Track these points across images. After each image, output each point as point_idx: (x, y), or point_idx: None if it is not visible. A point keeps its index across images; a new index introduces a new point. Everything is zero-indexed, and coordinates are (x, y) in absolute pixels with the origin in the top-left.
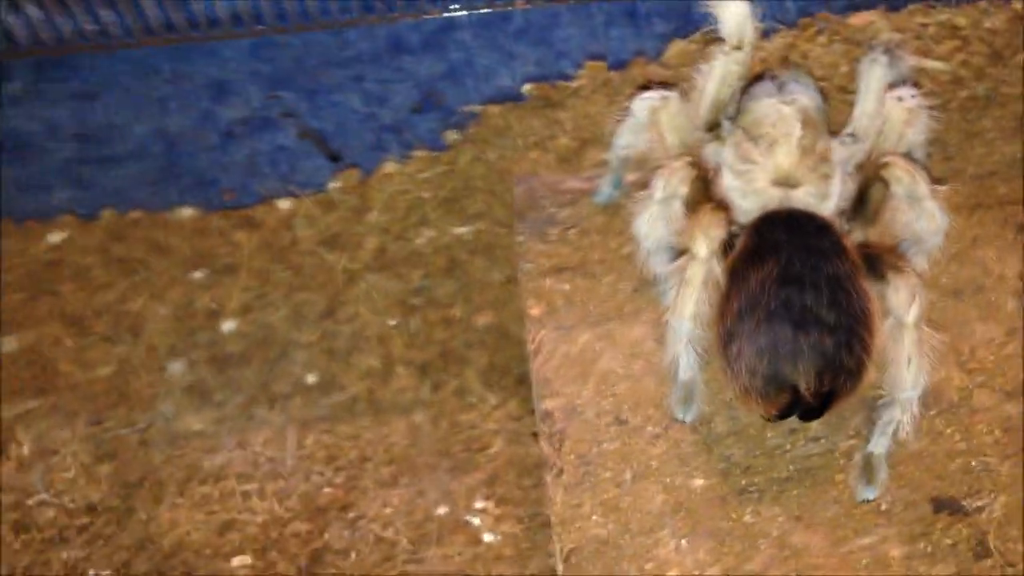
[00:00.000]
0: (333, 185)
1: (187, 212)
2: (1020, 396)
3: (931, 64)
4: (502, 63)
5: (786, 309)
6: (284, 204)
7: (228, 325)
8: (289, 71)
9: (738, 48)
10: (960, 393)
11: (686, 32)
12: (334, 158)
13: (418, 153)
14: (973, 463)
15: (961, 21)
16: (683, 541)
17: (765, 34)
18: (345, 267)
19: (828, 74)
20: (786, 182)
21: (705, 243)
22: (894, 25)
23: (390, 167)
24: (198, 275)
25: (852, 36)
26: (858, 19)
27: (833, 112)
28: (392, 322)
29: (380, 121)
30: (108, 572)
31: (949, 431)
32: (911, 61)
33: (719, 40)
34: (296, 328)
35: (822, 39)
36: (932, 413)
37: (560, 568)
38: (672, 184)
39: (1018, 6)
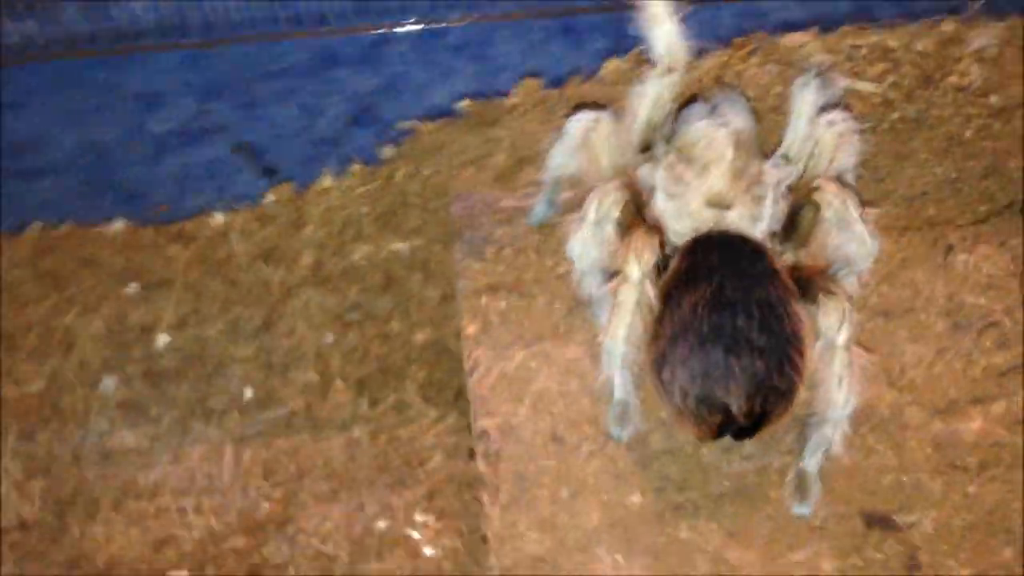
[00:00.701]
0: (268, 199)
1: (118, 225)
2: (949, 414)
3: (863, 86)
4: (438, 79)
5: (718, 334)
6: (219, 217)
7: (163, 340)
8: (222, 83)
9: (670, 71)
10: (891, 410)
11: (622, 50)
12: (268, 172)
13: (354, 168)
14: (904, 479)
15: (892, 43)
16: (619, 557)
17: (699, 53)
18: (282, 281)
19: (761, 95)
20: (719, 204)
21: (637, 266)
22: (827, 46)
23: (326, 181)
24: (131, 289)
25: (785, 56)
26: (791, 39)
27: (766, 132)
28: (330, 337)
29: (315, 134)
30: None
31: (880, 447)
32: (843, 83)
33: (652, 62)
34: (232, 343)
35: (755, 59)
36: (864, 429)
37: None
38: (604, 206)
39: (948, 28)
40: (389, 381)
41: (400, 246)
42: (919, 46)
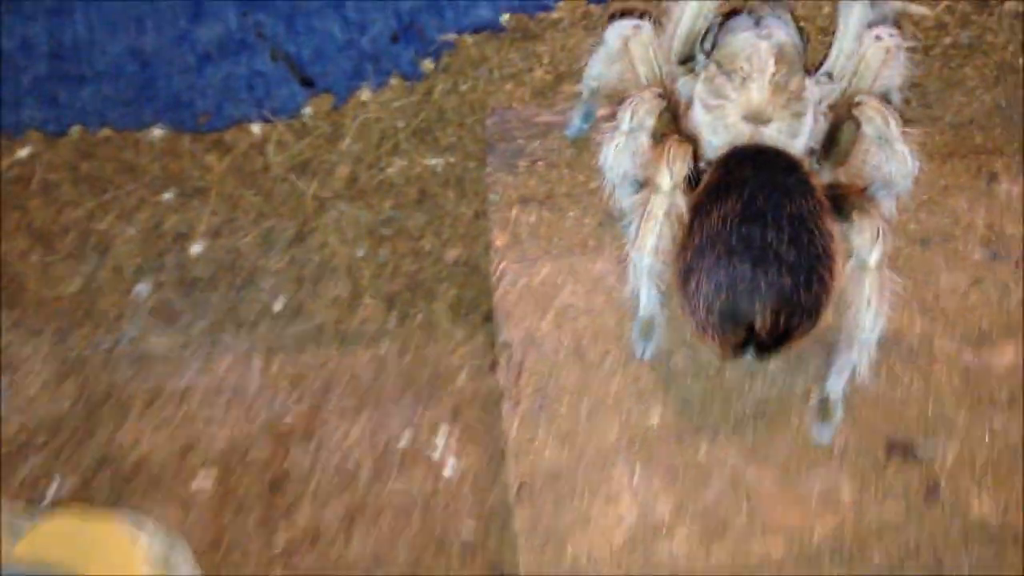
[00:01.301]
0: (306, 111)
1: (158, 133)
2: (980, 346)
3: (915, 8)
4: None
5: (746, 245)
6: (256, 128)
7: (196, 248)
8: None
9: None
10: (920, 339)
11: None
12: (308, 83)
13: (393, 82)
14: (929, 409)
15: None
16: (636, 475)
17: None
18: (315, 194)
19: (810, 15)
20: (757, 118)
21: (669, 175)
22: None
23: (364, 95)
24: (167, 196)
25: None
26: None
27: (812, 54)
28: (361, 252)
29: (357, 48)
30: (68, 487)
31: (907, 376)
32: (896, 5)
33: None
34: (264, 254)
35: None
36: (891, 357)
37: (513, 498)
38: (639, 115)
39: None
40: (419, 298)
41: (435, 162)
42: None
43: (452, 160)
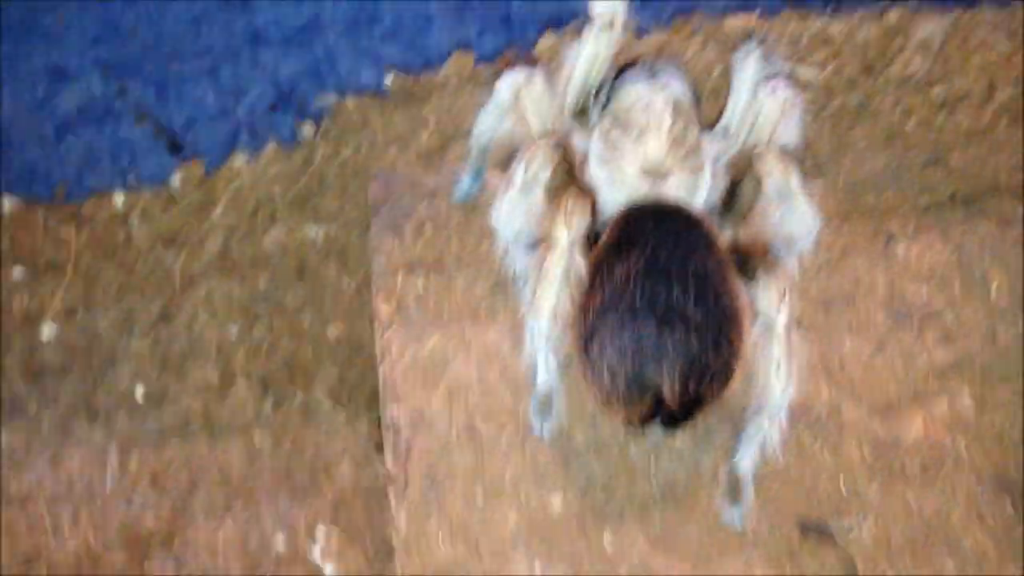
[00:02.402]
0: (174, 180)
1: (7, 204)
2: (888, 415)
3: (804, 72)
4: (365, 53)
5: (651, 305)
6: (119, 199)
7: (48, 330)
8: (137, 59)
9: (608, 28)
10: (828, 408)
11: (559, 24)
12: (177, 149)
13: (269, 148)
14: (841, 483)
15: (835, 31)
16: (537, 565)
17: (640, 33)
18: (183, 269)
19: (702, 77)
20: (655, 173)
21: (566, 230)
22: (769, 31)
23: (238, 162)
24: (17, 273)
25: (726, 39)
26: (733, 22)
27: (706, 113)
28: (233, 331)
29: (233, 115)
30: None
31: (816, 448)
32: (785, 66)
33: (589, 21)
34: (126, 334)
35: (697, 39)
36: (800, 428)
37: None
38: (533, 167)
39: (893, 18)
40: (297, 381)
41: (315, 232)
42: (862, 35)
43: (334, 230)
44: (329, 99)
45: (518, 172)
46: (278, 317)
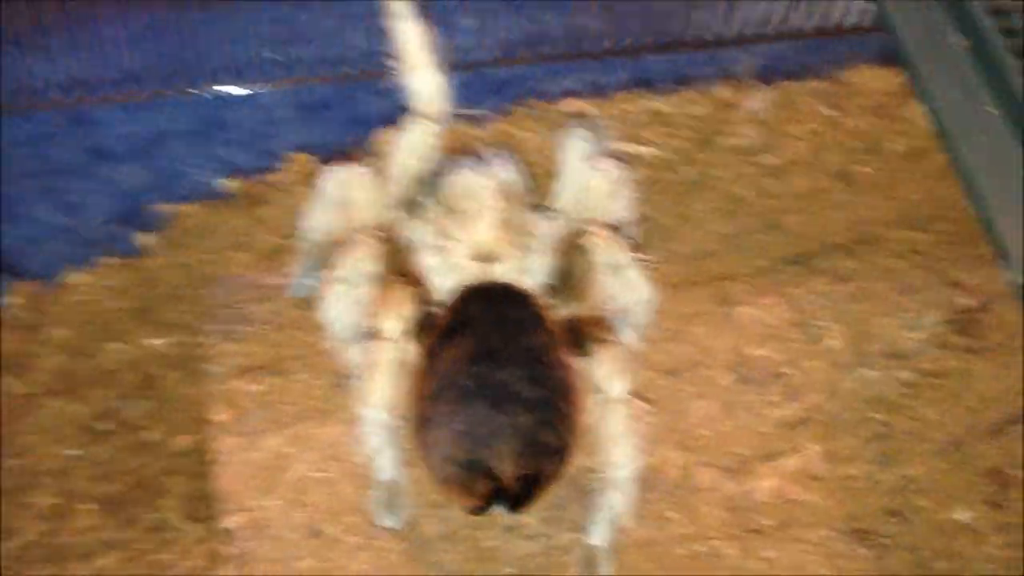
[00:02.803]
0: (4, 301)
1: None
2: (741, 473)
3: (641, 149)
4: (210, 159)
5: (481, 387)
6: None
7: None
8: None
9: (431, 118)
10: (681, 472)
11: (395, 119)
12: (11, 272)
13: (107, 261)
14: (700, 547)
15: (668, 108)
16: None
17: (478, 121)
18: (16, 393)
19: (538, 159)
20: (486, 257)
21: (394, 322)
22: (603, 111)
23: (74, 278)
24: None
25: (561, 122)
26: (567, 105)
27: (540, 195)
28: (75, 452)
29: (69, 232)
30: None
31: (673, 514)
32: (622, 146)
33: (412, 112)
34: None
35: (531, 124)
36: (654, 496)
37: None
38: (358, 260)
39: (722, 93)
40: (145, 498)
41: (158, 342)
42: (694, 110)
43: (176, 339)
44: (170, 208)
45: (343, 266)
46: (122, 433)
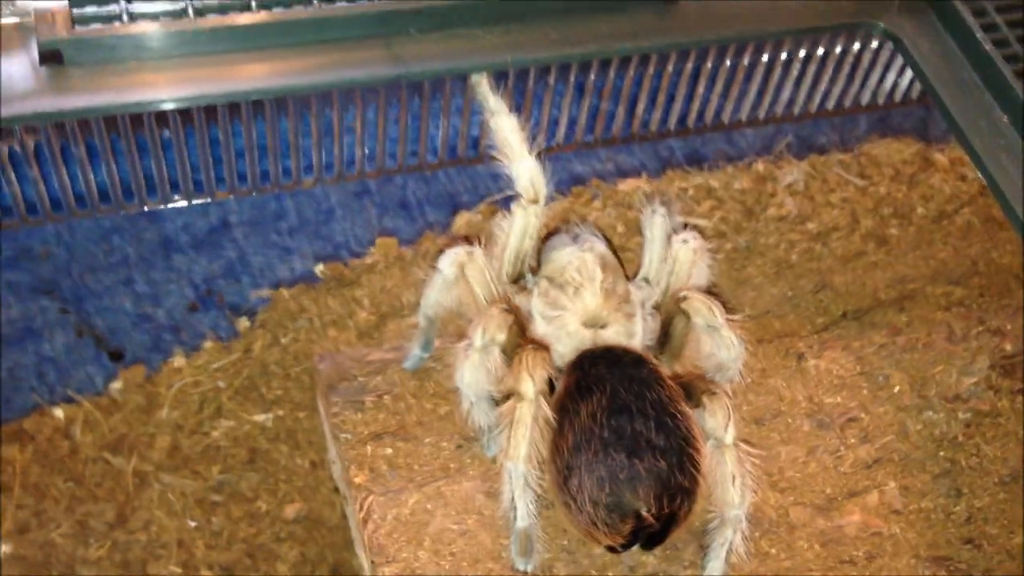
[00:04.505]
0: (115, 386)
1: None
2: (830, 510)
3: (695, 220)
4: (274, 247)
5: (619, 437)
6: (58, 412)
7: (3, 550)
8: (53, 278)
9: (535, 201)
10: (777, 512)
11: (470, 204)
12: (117, 357)
13: (207, 344)
14: None
15: (714, 183)
16: None
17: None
18: (135, 470)
19: (606, 236)
20: (595, 323)
21: (532, 382)
22: (657, 189)
23: (177, 362)
24: None
25: (622, 200)
26: (626, 185)
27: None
28: (192, 523)
29: (153, 320)
30: None
31: (774, 551)
32: (680, 217)
33: (516, 196)
34: (82, 544)
35: (596, 204)
36: (755, 535)
37: None
38: (491, 331)
39: (760, 168)
40: (259, 564)
41: (263, 418)
42: (737, 184)
43: (281, 413)
44: (264, 291)
45: (477, 336)
46: (234, 504)
